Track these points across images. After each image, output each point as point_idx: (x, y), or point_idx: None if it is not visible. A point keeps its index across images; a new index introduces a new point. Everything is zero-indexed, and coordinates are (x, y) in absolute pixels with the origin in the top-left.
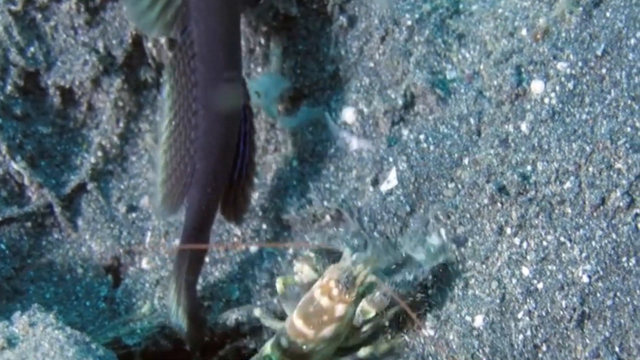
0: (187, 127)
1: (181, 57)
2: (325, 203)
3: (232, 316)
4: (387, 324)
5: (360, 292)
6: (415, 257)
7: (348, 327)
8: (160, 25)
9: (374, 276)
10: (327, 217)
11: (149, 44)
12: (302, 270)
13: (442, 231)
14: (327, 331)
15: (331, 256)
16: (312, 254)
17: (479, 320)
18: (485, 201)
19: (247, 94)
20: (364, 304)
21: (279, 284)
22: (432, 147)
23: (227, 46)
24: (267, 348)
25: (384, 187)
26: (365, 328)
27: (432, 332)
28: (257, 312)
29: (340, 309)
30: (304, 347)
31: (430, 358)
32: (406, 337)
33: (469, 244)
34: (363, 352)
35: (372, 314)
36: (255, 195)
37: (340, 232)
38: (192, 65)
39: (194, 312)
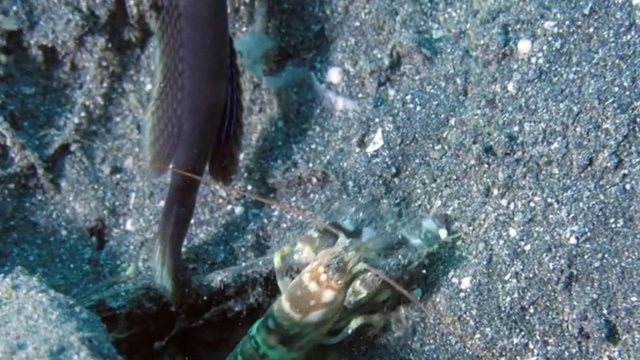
0: (173, 88)
1: (168, 20)
2: (311, 165)
3: (217, 278)
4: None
5: (349, 279)
6: (411, 241)
7: (337, 313)
8: None
9: (365, 264)
10: (314, 180)
11: (131, 2)
12: (303, 251)
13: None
14: (314, 316)
15: (331, 239)
16: (315, 235)
17: (466, 283)
18: (472, 162)
19: (234, 52)
20: (355, 284)
21: (276, 258)
22: (418, 108)
23: (212, 5)
24: (254, 329)
25: (370, 149)
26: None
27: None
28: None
29: (328, 295)
30: (290, 330)
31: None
32: (402, 311)
33: (456, 204)
34: (354, 323)
35: (364, 294)
36: (240, 157)
37: (346, 207)
38: (178, 25)
39: (178, 274)
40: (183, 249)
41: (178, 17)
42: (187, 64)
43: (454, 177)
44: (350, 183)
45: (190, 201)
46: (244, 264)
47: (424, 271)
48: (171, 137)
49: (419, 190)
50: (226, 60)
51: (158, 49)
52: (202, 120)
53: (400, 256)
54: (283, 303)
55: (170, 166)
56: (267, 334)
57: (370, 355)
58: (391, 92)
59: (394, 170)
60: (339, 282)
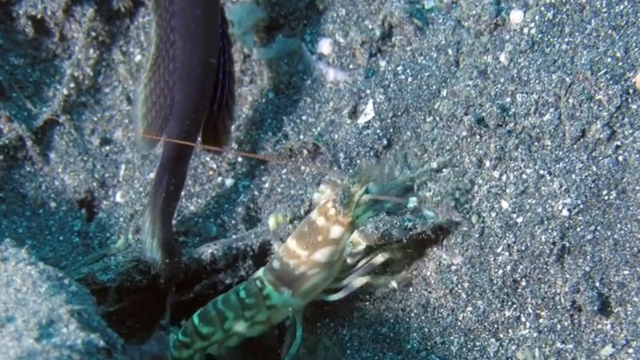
0: (165, 59)
1: None
2: (302, 137)
3: (208, 250)
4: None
5: (357, 214)
6: (424, 211)
7: (340, 260)
8: None
9: (369, 195)
10: (304, 152)
11: None
12: (325, 192)
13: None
14: (320, 254)
15: None
16: (339, 182)
17: (457, 256)
18: (464, 133)
19: (226, 22)
20: (354, 235)
21: (271, 221)
22: (409, 79)
23: None
24: (259, 271)
25: (361, 120)
26: (355, 268)
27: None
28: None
29: (335, 231)
30: (296, 270)
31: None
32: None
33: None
34: (358, 282)
35: (362, 246)
36: (232, 127)
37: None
38: None
39: (169, 245)
40: (173, 222)
41: None
42: (179, 34)
43: (446, 148)
44: (342, 155)
45: (181, 173)
46: (234, 236)
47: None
48: (163, 109)
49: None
50: (217, 30)
51: (153, 20)
52: (194, 91)
53: (407, 218)
54: (289, 242)
55: (163, 137)
56: (273, 275)
57: (359, 326)
58: (382, 63)
59: (385, 141)
60: (347, 215)
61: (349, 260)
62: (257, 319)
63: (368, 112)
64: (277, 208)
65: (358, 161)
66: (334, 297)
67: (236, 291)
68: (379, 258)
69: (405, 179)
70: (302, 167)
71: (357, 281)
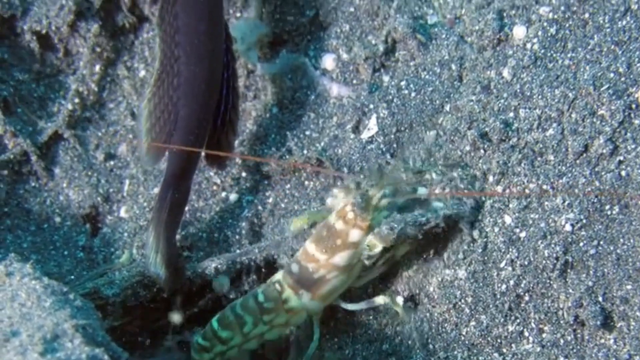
0: (170, 74)
1: (166, 6)
2: (305, 152)
3: (212, 265)
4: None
5: (375, 217)
6: (433, 203)
7: (360, 263)
8: None
9: (388, 198)
10: (308, 167)
11: None
12: (337, 196)
13: None
14: (339, 258)
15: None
16: (352, 186)
17: (461, 270)
18: (467, 148)
19: (230, 38)
20: (371, 237)
21: (293, 225)
22: (413, 94)
23: None
24: (278, 274)
25: (365, 135)
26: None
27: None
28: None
29: (354, 234)
30: (315, 273)
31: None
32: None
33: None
34: (382, 299)
35: (379, 248)
36: (235, 143)
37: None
38: (174, 11)
39: (172, 260)
40: (177, 237)
41: (174, 3)
42: (183, 50)
43: (450, 162)
44: (345, 169)
45: (185, 188)
46: (238, 251)
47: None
48: (167, 124)
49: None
50: (222, 45)
51: (158, 36)
52: (198, 106)
53: (418, 213)
54: (308, 246)
55: (167, 152)
56: (292, 279)
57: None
58: (386, 78)
59: (388, 156)
60: (366, 219)
61: (366, 262)
62: (276, 322)
63: (371, 127)
64: (280, 223)
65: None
66: (353, 306)
67: (254, 295)
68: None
69: (414, 173)
70: (306, 182)
71: (379, 299)
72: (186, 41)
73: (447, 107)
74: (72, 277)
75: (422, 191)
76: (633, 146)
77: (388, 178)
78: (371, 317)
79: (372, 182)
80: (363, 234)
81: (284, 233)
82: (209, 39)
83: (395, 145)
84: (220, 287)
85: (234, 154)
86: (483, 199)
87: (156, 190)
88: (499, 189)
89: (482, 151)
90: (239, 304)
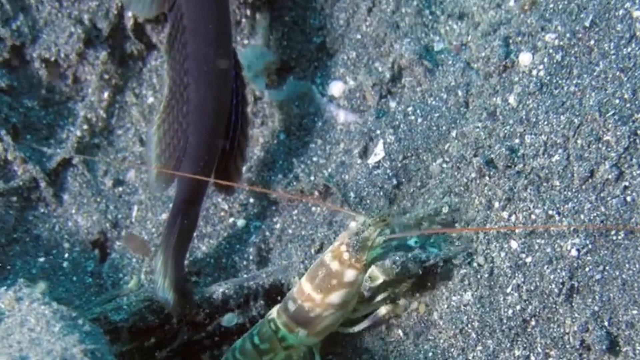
0: (179, 101)
1: (174, 33)
2: (312, 178)
3: (219, 289)
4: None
5: (370, 258)
6: (428, 248)
7: (355, 297)
8: (156, 4)
9: (383, 237)
10: (315, 193)
11: (129, 14)
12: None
13: None
14: (335, 297)
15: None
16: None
17: (467, 295)
18: (473, 175)
19: (239, 64)
20: (372, 269)
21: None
22: (419, 120)
23: (216, 17)
24: (273, 312)
25: (371, 160)
26: (373, 301)
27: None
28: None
29: (349, 274)
30: (311, 312)
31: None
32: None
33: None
34: (384, 309)
35: (380, 280)
36: (243, 169)
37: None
38: (183, 39)
39: (180, 286)
40: (185, 262)
41: (183, 31)
42: (192, 77)
43: (456, 190)
44: (352, 194)
45: (194, 214)
46: (245, 275)
47: (439, 270)
48: (177, 151)
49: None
50: (231, 72)
51: (166, 63)
52: (207, 133)
53: (418, 250)
54: (304, 285)
55: (176, 178)
56: (288, 317)
57: None
58: (392, 104)
59: (395, 181)
60: (362, 259)
61: (365, 293)
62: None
63: (378, 152)
64: (288, 248)
65: (368, 200)
66: (357, 328)
67: (250, 338)
68: (382, 310)
69: (413, 218)
70: (313, 208)
71: (382, 310)
72: (195, 68)
73: (454, 133)
74: (81, 302)
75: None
76: (638, 172)
77: (383, 218)
78: (377, 343)
79: (368, 223)
80: (358, 273)
81: (291, 258)
82: (218, 66)
83: (401, 171)
84: (229, 323)
85: (241, 185)
86: (488, 224)
87: (164, 216)
88: (505, 214)
89: (487, 178)
90: (238, 348)
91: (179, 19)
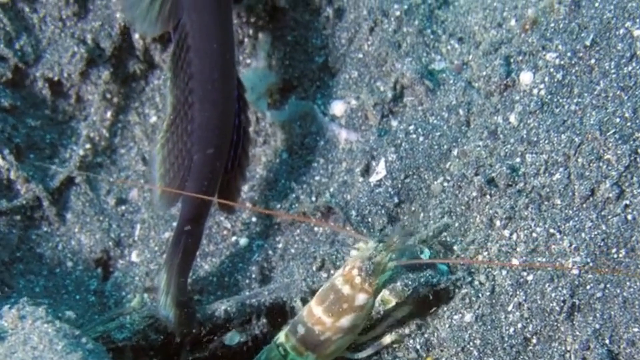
0: (183, 119)
1: (178, 52)
2: (314, 198)
3: (222, 307)
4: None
5: (382, 282)
6: (438, 265)
7: (365, 320)
8: (161, 22)
9: (394, 261)
10: (318, 214)
11: (136, 36)
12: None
13: None
14: (346, 320)
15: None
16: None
17: (469, 313)
18: (474, 194)
19: (242, 85)
20: (384, 293)
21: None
22: (421, 138)
23: (219, 37)
24: (282, 336)
25: (373, 178)
26: (382, 323)
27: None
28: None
29: (361, 298)
30: (321, 336)
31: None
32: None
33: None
34: (388, 339)
35: (393, 303)
36: (245, 188)
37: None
38: (187, 58)
39: (183, 303)
40: (188, 280)
41: (187, 50)
42: (197, 97)
43: (457, 209)
44: (353, 212)
45: (198, 232)
46: (247, 293)
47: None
48: (181, 170)
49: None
50: (234, 92)
51: (169, 81)
52: (211, 152)
53: (429, 275)
54: (314, 308)
55: (180, 198)
56: (297, 340)
57: None
58: (394, 123)
59: (396, 199)
60: (373, 284)
61: (377, 316)
62: None
63: (380, 171)
64: (290, 265)
65: (370, 219)
66: (362, 354)
67: None
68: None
69: (420, 238)
70: (315, 228)
71: (387, 338)
72: (200, 88)
73: (455, 152)
74: (84, 321)
75: (426, 254)
76: (639, 190)
77: (393, 241)
78: None
79: (380, 247)
80: (369, 297)
81: (293, 275)
82: (222, 85)
83: (403, 191)
84: (231, 342)
85: (243, 205)
86: (489, 242)
87: (167, 234)
88: (506, 233)
89: (488, 197)
90: None
91: (183, 38)
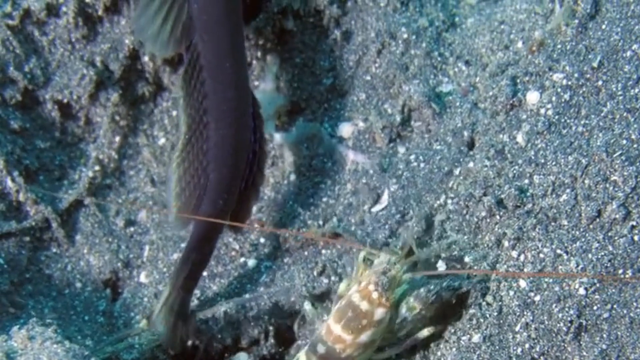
0: (199, 139)
1: (191, 71)
2: (321, 222)
3: (221, 309)
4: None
5: (399, 295)
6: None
7: (384, 333)
8: (172, 44)
9: (409, 274)
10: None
11: (146, 58)
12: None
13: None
14: (365, 336)
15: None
16: (377, 261)
17: (477, 334)
18: (483, 214)
19: (257, 102)
20: (409, 300)
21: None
22: (422, 165)
23: (232, 56)
24: (301, 356)
25: (376, 208)
26: (401, 332)
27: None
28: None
29: (379, 313)
30: (342, 353)
31: None
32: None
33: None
34: (427, 331)
35: (417, 309)
36: (253, 209)
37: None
38: (201, 77)
39: (185, 318)
40: (195, 302)
41: (200, 70)
42: (212, 116)
43: (465, 230)
44: (359, 231)
45: (208, 250)
46: (247, 295)
47: (471, 299)
48: (197, 189)
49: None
50: (249, 109)
51: (182, 100)
52: (227, 171)
53: (450, 279)
54: (332, 327)
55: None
56: (317, 358)
57: None
58: (401, 150)
59: (398, 216)
60: (390, 298)
61: (403, 324)
62: None
63: (382, 202)
64: (291, 270)
65: (374, 236)
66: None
67: None
68: (425, 332)
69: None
70: (323, 251)
71: (425, 331)
72: (214, 107)
73: (457, 171)
74: (93, 341)
75: (441, 267)
76: None
77: (410, 258)
78: None
79: (395, 260)
80: (387, 311)
81: (294, 280)
82: (237, 104)
83: (405, 212)
84: None
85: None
86: (498, 262)
87: (176, 255)
88: (514, 253)
89: (497, 217)
90: None
91: (195, 58)
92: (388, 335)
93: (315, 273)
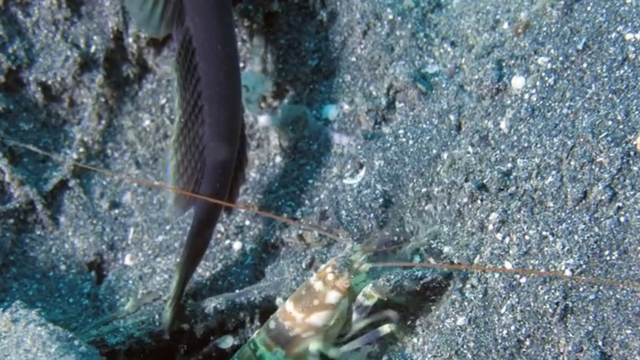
0: (194, 123)
1: (184, 54)
2: (308, 202)
3: (211, 304)
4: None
5: (356, 282)
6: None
7: (338, 324)
8: (164, 25)
9: (369, 264)
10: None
11: (130, 39)
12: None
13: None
14: (316, 318)
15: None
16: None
17: (462, 316)
18: (465, 200)
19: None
20: (367, 289)
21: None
22: (410, 142)
23: (223, 39)
24: (255, 334)
25: (355, 180)
26: (358, 324)
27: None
28: None
29: (332, 296)
30: (290, 332)
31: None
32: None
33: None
34: (387, 327)
35: (375, 298)
36: (240, 189)
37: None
38: (194, 61)
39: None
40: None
41: (193, 53)
42: (205, 99)
43: (446, 220)
44: (344, 213)
45: (208, 235)
46: (237, 291)
47: (437, 286)
48: (195, 173)
49: (411, 227)
50: (240, 92)
51: (176, 83)
52: (223, 154)
53: (414, 268)
54: (287, 304)
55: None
56: (267, 334)
57: None
58: (386, 130)
59: (381, 200)
60: (345, 282)
61: (354, 317)
62: None
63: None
64: (280, 264)
65: (358, 223)
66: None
67: None
68: (385, 328)
69: (412, 247)
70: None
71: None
72: (207, 91)
73: (444, 156)
74: (77, 324)
75: (416, 261)
76: (632, 192)
77: (372, 245)
78: None
79: (356, 247)
80: (341, 296)
81: (283, 274)
82: (229, 87)
83: (391, 193)
84: (225, 345)
85: (246, 207)
86: (482, 245)
87: (160, 238)
88: (499, 236)
89: (479, 202)
90: None
91: (187, 41)
92: (343, 324)
93: (303, 265)
